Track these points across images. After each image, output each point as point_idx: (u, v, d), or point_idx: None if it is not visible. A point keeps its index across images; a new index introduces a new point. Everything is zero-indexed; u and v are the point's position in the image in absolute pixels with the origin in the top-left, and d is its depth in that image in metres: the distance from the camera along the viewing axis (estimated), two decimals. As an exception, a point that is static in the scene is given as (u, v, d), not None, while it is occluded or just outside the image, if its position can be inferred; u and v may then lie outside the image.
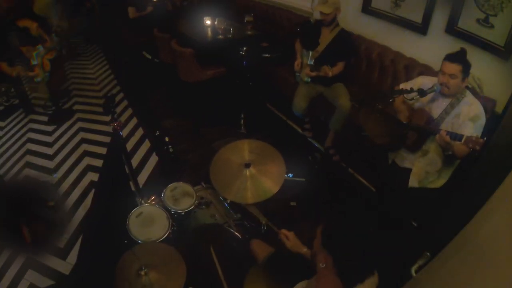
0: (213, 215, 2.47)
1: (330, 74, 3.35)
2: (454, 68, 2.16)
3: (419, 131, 2.32)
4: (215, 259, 1.96)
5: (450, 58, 2.19)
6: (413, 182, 2.44)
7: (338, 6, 3.31)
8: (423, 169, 2.39)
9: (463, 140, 2.00)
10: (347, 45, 3.48)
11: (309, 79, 3.51)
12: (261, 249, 1.89)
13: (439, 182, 2.40)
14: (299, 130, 4.14)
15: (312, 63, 3.45)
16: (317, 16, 3.47)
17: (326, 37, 3.44)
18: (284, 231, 1.85)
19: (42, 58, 4.16)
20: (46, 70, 4.25)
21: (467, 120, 2.18)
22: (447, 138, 2.04)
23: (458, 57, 2.18)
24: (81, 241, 2.94)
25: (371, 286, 1.39)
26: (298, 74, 3.70)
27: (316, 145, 3.92)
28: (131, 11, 5.36)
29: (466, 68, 2.16)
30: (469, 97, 2.25)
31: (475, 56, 2.31)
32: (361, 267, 1.36)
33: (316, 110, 3.79)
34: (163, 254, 1.85)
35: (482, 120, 2.17)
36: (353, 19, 3.50)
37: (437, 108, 2.34)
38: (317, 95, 3.64)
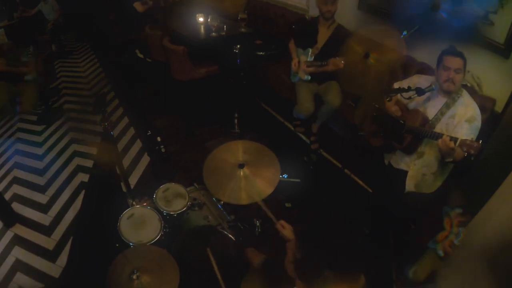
0: (206, 216, 2.43)
1: (342, 64, 3.08)
2: (458, 62, 2.10)
3: (414, 132, 2.25)
4: (213, 260, 1.90)
5: (453, 51, 2.12)
6: (409, 187, 2.39)
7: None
8: (419, 171, 2.35)
9: (457, 144, 1.92)
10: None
11: (309, 77, 3.44)
12: (255, 256, 1.85)
13: (435, 185, 2.37)
14: (291, 128, 4.10)
15: (312, 60, 3.38)
16: (313, 13, 3.42)
17: (324, 34, 3.40)
18: (282, 221, 1.81)
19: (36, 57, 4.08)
20: (39, 70, 4.15)
21: (463, 121, 2.13)
22: (451, 143, 1.93)
23: (459, 51, 2.12)
24: (71, 243, 2.89)
25: None
26: (295, 74, 3.59)
27: (308, 142, 3.88)
28: (138, 6, 5.27)
29: (465, 63, 2.12)
30: (465, 98, 2.20)
31: (474, 54, 2.27)
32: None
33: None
34: (155, 257, 1.80)
35: (478, 121, 2.12)
36: (349, 16, 3.45)
37: (432, 109, 2.29)
38: (315, 95, 3.59)
